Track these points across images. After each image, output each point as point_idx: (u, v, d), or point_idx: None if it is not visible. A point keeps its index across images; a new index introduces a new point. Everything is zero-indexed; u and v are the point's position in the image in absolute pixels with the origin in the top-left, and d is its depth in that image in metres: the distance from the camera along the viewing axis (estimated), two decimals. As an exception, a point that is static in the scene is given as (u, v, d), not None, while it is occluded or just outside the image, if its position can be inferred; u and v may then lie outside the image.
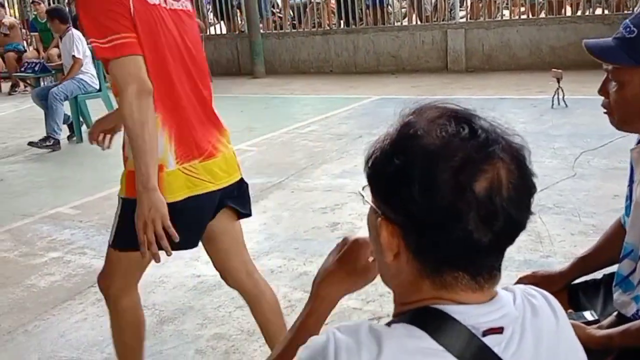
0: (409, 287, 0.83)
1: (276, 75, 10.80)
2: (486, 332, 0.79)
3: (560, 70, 6.38)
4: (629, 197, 1.61)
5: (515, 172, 0.77)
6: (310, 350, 0.81)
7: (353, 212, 4.25)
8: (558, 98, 6.43)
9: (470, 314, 0.79)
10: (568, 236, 3.50)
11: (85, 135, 7.29)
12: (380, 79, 9.66)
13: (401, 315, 0.82)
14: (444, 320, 0.78)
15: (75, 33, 6.71)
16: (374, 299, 3.09)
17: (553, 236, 3.51)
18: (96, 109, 7.59)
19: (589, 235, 3.47)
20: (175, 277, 3.51)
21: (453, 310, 0.79)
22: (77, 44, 6.58)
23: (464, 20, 9.95)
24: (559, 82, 6.36)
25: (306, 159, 5.67)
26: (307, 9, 11.16)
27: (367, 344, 0.78)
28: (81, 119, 7.28)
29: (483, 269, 0.80)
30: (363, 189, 0.88)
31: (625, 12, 8.60)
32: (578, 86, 6.71)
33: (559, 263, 3.20)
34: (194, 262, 3.68)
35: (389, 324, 0.82)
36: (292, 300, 3.15)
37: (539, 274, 1.82)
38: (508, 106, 6.85)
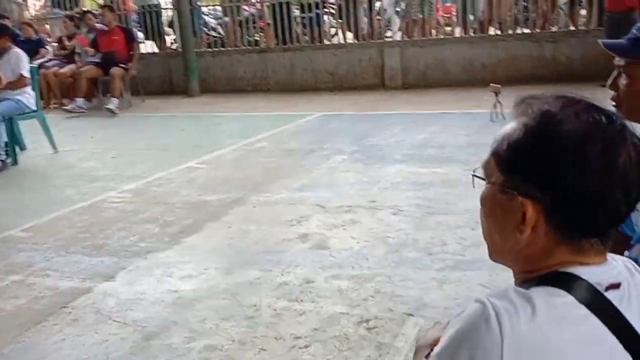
0: (540, 255, 0.96)
1: (212, 94, 10.84)
2: (608, 288, 0.94)
3: (498, 85, 6.79)
4: None
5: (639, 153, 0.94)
6: (467, 320, 0.92)
7: (320, 223, 4.39)
8: (497, 112, 6.83)
9: (595, 273, 0.94)
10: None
11: (20, 157, 7.09)
12: (319, 96, 9.90)
13: (531, 281, 0.95)
14: (575, 281, 0.93)
15: (21, 51, 6.59)
16: (358, 304, 3.23)
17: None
18: (31, 130, 7.42)
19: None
20: (151, 293, 3.51)
21: (580, 271, 0.94)
22: (25, 63, 6.47)
23: (399, 38, 10.36)
24: (497, 96, 6.77)
25: (261, 175, 5.76)
26: (238, 26, 11.30)
27: (521, 304, 0.90)
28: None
29: (611, 234, 0.97)
30: (475, 171, 1.03)
31: (550, 29, 9.24)
32: (511, 101, 7.12)
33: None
34: (167, 278, 3.70)
35: (526, 288, 0.94)
36: (277, 309, 3.24)
37: None
38: (450, 120, 7.21)
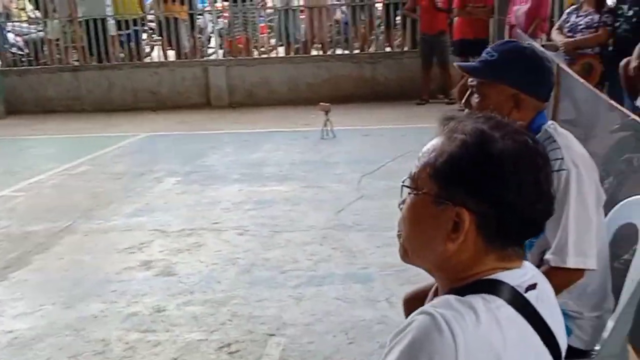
0: (469, 263, 1.05)
1: (19, 116, 10.01)
2: (527, 289, 1.06)
3: (328, 104, 7.12)
4: None
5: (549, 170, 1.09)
6: (418, 331, 0.98)
7: (163, 249, 4.27)
8: (327, 129, 7.15)
9: (516, 277, 1.06)
10: (376, 249, 4.00)
11: None
12: (141, 115, 9.58)
13: (463, 289, 1.04)
14: (501, 285, 1.04)
15: None
16: (216, 329, 3.20)
17: (363, 250, 3.99)
18: None
19: (393, 246, 3.99)
20: (-22, 338, 3.18)
21: (504, 276, 1.05)
22: None
23: (223, 57, 10.41)
24: (327, 114, 7.09)
25: (89, 201, 5.46)
26: (47, 45, 10.62)
27: (466, 311, 0.99)
28: None
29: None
30: (404, 182, 1.10)
31: (369, 52, 9.88)
32: (338, 118, 7.48)
33: (375, 272, 3.68)
34: (-1, 319, 3.38)
35: (463, 297, 1.02)
36: (129, 342, 3.10)
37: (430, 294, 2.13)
38: (282, 138, 7.39)
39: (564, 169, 1.75)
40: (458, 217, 1.03)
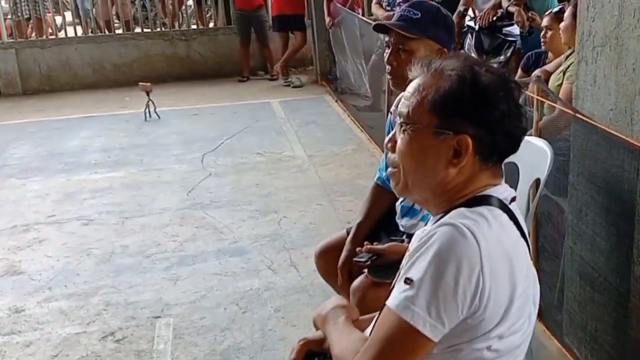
0: (466, 182, 1.25)
1: None
2: (510, 201, 1.28)
3: (149, 84, 6.94)
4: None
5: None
6: (444, 240, 1.14)
7: None
8: (149, 111, 6.97)
9: (501, 191, 1.28)
10: (241, 222, 4.09)
11: None
12: None
13: (461, 205, 1.23)
14: (492, 198, 1.25)
15: None
16: (93, 320, 3.11)
17: (228, 226, 4.05)
18: None
19: (259, 218, 4.13)
20: None
21: (494, 191, 1.26)
22: None
23: (12, 40, 9.58)
24: (148, 95, 6.92)
25: None
26: None
27: (479, 219, 1.18)
28: None
29: None
30: (398, 120, 1.27)
31: (181, 29, 9.69)
32: (158, 99, 7.30)
33: (248, 245, 3.77)
34: None
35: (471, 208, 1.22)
36: (-5, 347, 2.88)
37: (347, 244, 2.29)
38: (99, 124, 7.03)
39: None
40: (459, 144, 1.22)
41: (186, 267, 3.56)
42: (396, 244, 2.10)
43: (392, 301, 1.18)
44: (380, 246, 2.08)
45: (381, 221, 2.35)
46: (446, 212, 1.25)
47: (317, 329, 1.52)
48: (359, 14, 7.17)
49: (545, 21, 3.76)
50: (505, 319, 1.18)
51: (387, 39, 2.15)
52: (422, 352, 1.17)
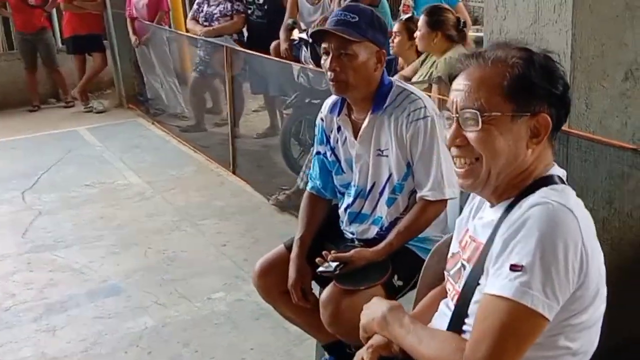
0: (536, 163, 1.33)
1: None
2: (563, 181, 1.36)
3: None
4: (337, 157, 2.30)
5: None
6: (548, 220, 1.20)
7: None
8: None
9: (558, 169, 1.37)
10: (102, 260, 3.79)
11: None
12: None
13: (539, 183, 1.31)
14: (557, 177, 1.34)
15: None
16: None
17: (88, 265, 3.73)
18: None
19: (120, 253, 3.87)
20: None
21: (556, 170, 1.36)
22: None
23: None
24: None
25: None
26: None
27: (565, 196, 1.27)
28: None
29: None
30: (465, 114, 1.31)
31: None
32: None
33: (121, 282, 3.52)
34: None
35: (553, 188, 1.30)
36: None
37: (294, 260, 2.26)
38: None
39: (427, 116, 2.11)
40: (539, 123, 1.31)
41: (58, 315, 3.22)
42: (362, 249, 2.13)
43: (503, 290, 1.20)
44: (345, 254, 2.10)
45: (322, 231, 2.37)
46: (518, 196, 1.32)
47: (368, 336, 1.51)
48: (167, 31, 7.05)
49: (395, 27, 4.05)
50: (595, 301, 1.27)
51: (323, 45, 2.15)
52: (540, 333, 1.22)
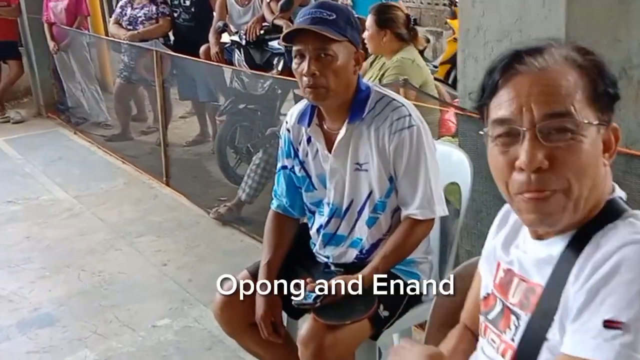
0: (604, 181, 1.06)
1: None
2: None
3: None
4: (307, 172, 2.02)
5: None
6: None
7: None
8: None
9: (618, 190, 1.12)
10: (31, 285, 3.41)
11: None
12: None
13: (614, 210, 1.05)
14: (624, 201, 1.09)
15: None
16: None
17: (17, 291, 3.34)
18: None
19: (51, 276, 3.49)
20: None
21: (619, 192, 1.11)
22: None
23: None
24: None
25: None
26: None
27: None
28: None
29: None
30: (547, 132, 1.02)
31: None
32: None
33: (54, 310, 3.12)
34: None
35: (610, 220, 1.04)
36: None
37: (261, 288, 1.92)
38: None
39: (413, 125, 1.87)
40: (614, 134, 1.07)
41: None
42: (344, 276, 1.86)
43: (600, 352, 0.94)
44: (325, 283, 1.80)
45: (291, 253, 2.06)
46: (586, 226, 1.05)
47: None
48: (87, 37, 6.54)
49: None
50: None
51: (297, 47, 1.85)
52: None
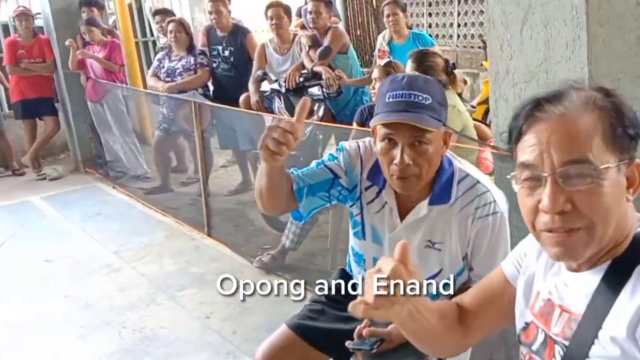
0: (626, 217, 1.18)
1: None
2: None
3: None
4: (362, 219, 2.06)
5: None
6: None
7: None
8: None
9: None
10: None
11: None
12: None
13: (633, 251, 1.16)
14: None
15: None
16: None
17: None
18: None
19: (92, 334, 3.68)
20: None
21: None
22: None
23: None
24: None
25: None
26: None
27: None
28: None
29: None
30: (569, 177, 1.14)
31: None
32: None
33: None
34: None
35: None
36: None
37: None
38: None
39: (497, 212, 1.90)
40: (634, 171, 1.16)
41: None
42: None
43: None
44: (383, 329, 1.82)
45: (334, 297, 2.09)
46: (620, 259, 1.17)
47: None
48: (124, 90, 6.98)
49: (375, 73, 4.02)
50: None
51: (388, 132, 1.84)
52: None
